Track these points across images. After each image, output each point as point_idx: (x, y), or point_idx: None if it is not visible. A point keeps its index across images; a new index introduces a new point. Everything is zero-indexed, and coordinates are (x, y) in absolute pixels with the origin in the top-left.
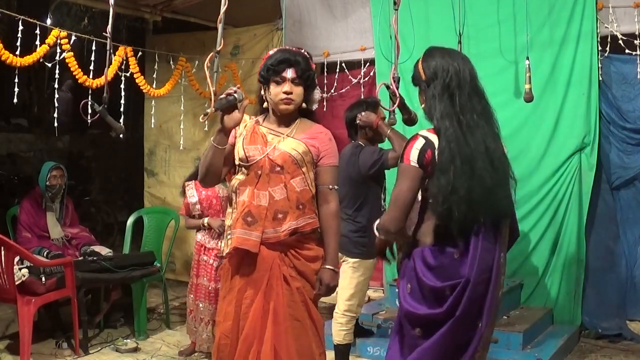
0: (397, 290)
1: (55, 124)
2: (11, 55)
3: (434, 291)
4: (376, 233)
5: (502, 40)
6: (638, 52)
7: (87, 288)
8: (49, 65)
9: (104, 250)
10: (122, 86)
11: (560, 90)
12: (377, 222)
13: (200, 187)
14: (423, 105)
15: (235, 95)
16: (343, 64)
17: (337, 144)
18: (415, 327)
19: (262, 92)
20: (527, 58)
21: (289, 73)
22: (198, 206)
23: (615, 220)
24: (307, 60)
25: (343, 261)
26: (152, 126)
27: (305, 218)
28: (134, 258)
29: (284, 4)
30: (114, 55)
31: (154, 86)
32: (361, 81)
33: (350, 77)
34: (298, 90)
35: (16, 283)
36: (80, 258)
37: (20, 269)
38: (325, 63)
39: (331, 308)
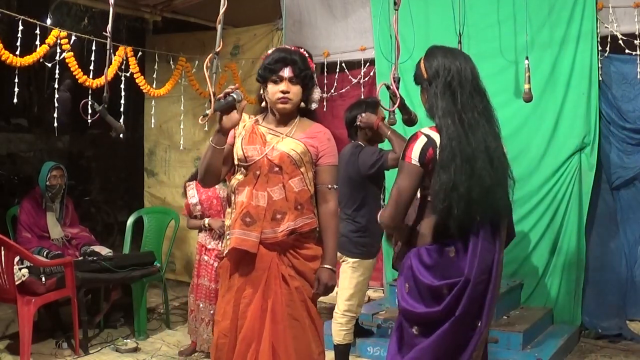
0: (396, 289)
1: (55, 124)
2: (11, 55)
3: (431, 290)
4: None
5: (502, 40)
6: (638, 52)
7: (87, 288)
8: (49, 65)
9: (104, 250)
10: (122, 86)
11: (560, 90)
12: (379, 214)
13: (201, 187)
14: (425, 104)
15: (234, 95)
16: (343, 64)
17: (337, 144)
18: (413, 325)
19: (262, 92)
20: (527, 58)
21: (286, 72)
22: (199, 207)
23: (615, 220)
24: (304, 59)
25: (343, 261)
26: (152, 126)
27: (304, 218)
28: (134, 258)
29: (284, 4)
30: (114, 55)
31: (154, 86)
32: (361, 81)
33: (350, 77)
34: (295, 90)
35: (16, 283)
36: (80, 258)
37: (20, 269)
38: (325, 63)
39: (331, 308)
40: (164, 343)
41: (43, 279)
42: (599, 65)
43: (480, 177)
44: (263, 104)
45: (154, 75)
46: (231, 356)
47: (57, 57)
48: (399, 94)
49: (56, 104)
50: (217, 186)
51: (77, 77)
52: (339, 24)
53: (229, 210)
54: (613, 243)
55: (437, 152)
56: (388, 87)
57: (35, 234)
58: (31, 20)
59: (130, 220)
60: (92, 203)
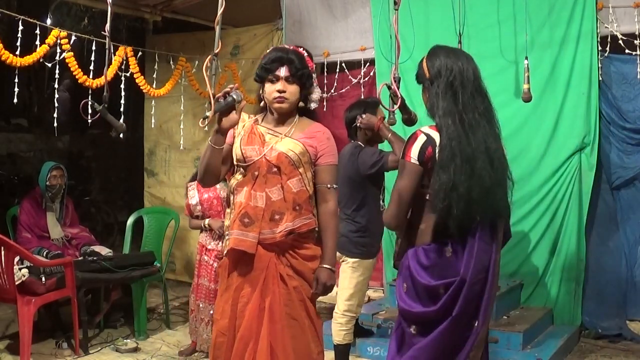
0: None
1: (55, 124)
2: (11, 55)
3: (427, 289)
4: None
5: (502, 40)
6: (638, 52)
7: (87, 288)
8: (49, 65)
9: (104, 250)
10: (122, 86)
11: (560, 90)
12: (383, 215)
13: (202, 187)
14: (426, 103)
15: (234, 96)
16: (343, 64)
17: (337, 144)
18: (411, 325)
19: (261, 92)
20: (526, 58)
21: (282, 71)
22: (199, 207)
23: (615, 220)
24: (301, 58)
25: (342, 261)
26: (152, 126)
27: (302, 219)
28: (134, 258)
29: (284, 4)
30: (114, 55)
31: (154, 86)
32: (361, 81)
33: (350, 77)
34: (292, 89)
35: (16, 283)
36: (80, 258)
37: (20, 269)
38: (325, 63)
39: (331, 308)
40: (164, 343)
41: (43, 279)
42: (599, 65)
43: (480, 177)
44: (262, 103)
45: (154, 75)
46: (229, 355)
47: (57, 57)
48: (400, 94)
49: (56, 104)
50: (217, 186)
51: (77, 77)
52: (339, 24)
53: (228, 210)
54: (613, 243)
55: (437, 151)
56: (389, 87)
57: (35, 234)
58: (31, 20)
59: (130, 220)
60: (92, 203)
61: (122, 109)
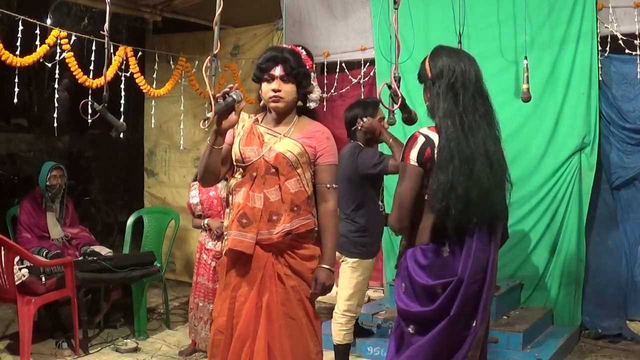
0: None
1: (55, 124)
2: (11, 55)
3: (425, 289)
4: None
5: (502, 40)
6: (638, 52)
7: (87, 288)
8: (49, 65)
9: (104, 250)
10: (122, 86)
11: (560, 90)
12: (388, 219)
13: (202, 187)
14: (427, 103)
15: (234, 96)
16: (343, 64)
17: (337, 144)
18: (410, 324)
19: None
20: (525, 58)
21: (277, 70)
22: (199, 207)
23: (615, 220)
24: (297, 57)
25: (342, 261)
26: (152, 126)
27: (300, 220)
28: (134, 258)
29: (284, 4)
30: (114, 55)
31: (154, 86)
32: (361, 81)
33: (350, 77)
34: (288, 88)
35: (16, 283)
36: (80, 258)
37: (20, 269)
38: (325, 63)
39: (331, 308)
40: (164, 343)
41: (43, 279)
42: (599, 65)
43: (478, 179)
44: (262, 103)
45: (154, 75)
46: (227, 354)
47: (57, 57)
48: (400, 94)
49: (56, 104)
50: (218, 186)
51: (77, 77)
52: (339, 24)
53: (227, 210)
54: (613, 243)
55: (435, 152)
56: (390, 87)
57: (35, 234)
58: (31, 20)
59: (130, 220)
60: (92, 203)
61: (122, 109)
